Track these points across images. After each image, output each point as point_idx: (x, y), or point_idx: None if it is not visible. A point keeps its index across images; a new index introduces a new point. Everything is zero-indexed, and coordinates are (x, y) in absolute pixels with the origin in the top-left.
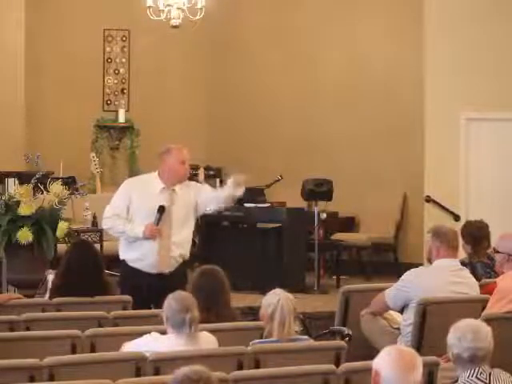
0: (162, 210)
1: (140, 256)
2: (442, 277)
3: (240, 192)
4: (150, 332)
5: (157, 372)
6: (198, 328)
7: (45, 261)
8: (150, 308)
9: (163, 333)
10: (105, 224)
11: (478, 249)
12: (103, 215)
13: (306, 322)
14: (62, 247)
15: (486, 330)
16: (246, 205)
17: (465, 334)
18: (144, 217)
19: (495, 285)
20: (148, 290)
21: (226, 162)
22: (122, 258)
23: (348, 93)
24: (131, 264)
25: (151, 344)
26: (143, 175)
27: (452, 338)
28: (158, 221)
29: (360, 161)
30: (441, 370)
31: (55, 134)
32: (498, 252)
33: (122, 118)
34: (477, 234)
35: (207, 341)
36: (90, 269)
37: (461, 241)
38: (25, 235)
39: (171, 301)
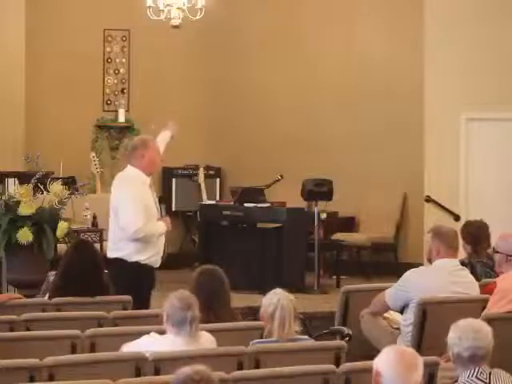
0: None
1: (157, 251)
2: (442, 277)
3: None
4: (150, 332)
5: (157, 372)
6: (198, 327)
7: (45, 261)
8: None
9: (163, 333)
10: (140, 233)
11: (477, 249)
12: (133, 228)
13: (306, 322)
14: (61, 247)
15: (487, 329)
16: (246, 205)
17: (465, 333)
18: (155, 213)
19: (495, 285)
20: (149, 286)
21: (225, 161)
22: (132, 260)
23: (348, 92)
24: (143, 262)
25: (151, 344)
26: (129, 175)
27: (452, 337)
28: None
29: (360, 161)
30: (441, 370)
31: (55, 134)
32: (497, 252)
33: (122, 118)
34: (477, 234)
35: (207, 341)
36: (89, 269)
37: (461, 241)
38: (25, 235)
39: (174, 299)
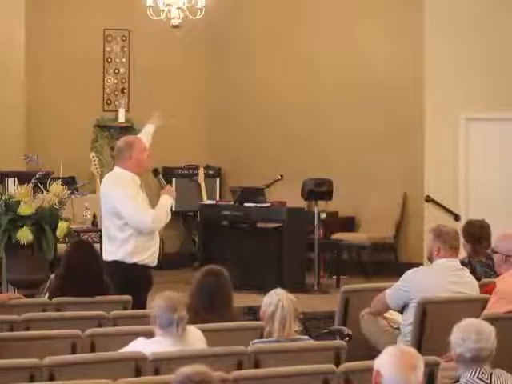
0: (158, 172)
1: (154, 250)
2: (442, 276)
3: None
4: (150, 332)
5: (157, 372)
6: (185, 327)
7: (45, 261)
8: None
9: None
10: (151, 223)
11: (478, 248)
12: (144, 222)
13: (306, 322)
14: (61, 247)
15: (490, 329)
16: (246, 204)
17: (469, 334)
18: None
19: (495, 285)
20: (146, 286)
21: (225, 161)
22: (131, 261)
23: (348, 93)
24: (141, 263)
25: (141, 349)
26: (119, 175)
27: (456, 337)
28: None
29: (360, 161)
30: (441, 370)
31: (55, 133)
32: (495, 252)
33: (122, 118)
34: (477, 234)
35: (195, 338)
36: (89, 269)
37: (461, 240)
38: (25, 235)
39: (160, 300)
